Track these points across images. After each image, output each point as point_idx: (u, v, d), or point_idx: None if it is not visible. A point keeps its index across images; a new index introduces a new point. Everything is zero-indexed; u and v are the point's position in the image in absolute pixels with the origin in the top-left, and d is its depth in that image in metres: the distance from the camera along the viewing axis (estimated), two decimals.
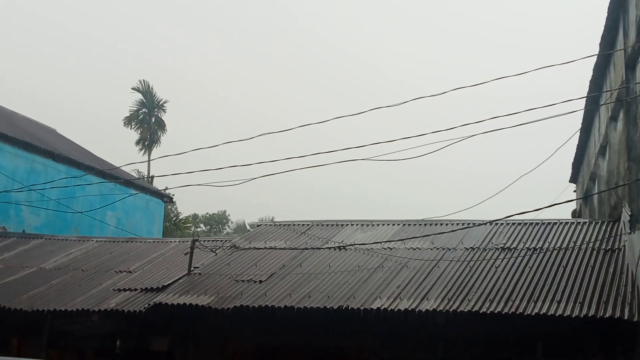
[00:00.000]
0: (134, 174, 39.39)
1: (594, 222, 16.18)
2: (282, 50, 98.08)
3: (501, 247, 14.99)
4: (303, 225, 18.28)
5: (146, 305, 14.05)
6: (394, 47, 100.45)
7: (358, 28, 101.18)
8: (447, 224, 16.78)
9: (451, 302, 12.46)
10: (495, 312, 11.93)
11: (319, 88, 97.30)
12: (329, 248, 16.12)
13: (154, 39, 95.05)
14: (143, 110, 50.23)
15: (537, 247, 14.74)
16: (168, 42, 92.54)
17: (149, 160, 46.62)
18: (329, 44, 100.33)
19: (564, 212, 24.42)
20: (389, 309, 12.52)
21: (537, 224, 16.20)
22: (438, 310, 12.26)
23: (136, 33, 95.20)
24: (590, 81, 17.49)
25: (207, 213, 64.89)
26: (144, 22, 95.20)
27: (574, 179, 24.96)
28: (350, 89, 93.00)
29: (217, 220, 65.70)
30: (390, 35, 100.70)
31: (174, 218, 47.50)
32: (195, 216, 60.71)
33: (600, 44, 15.93)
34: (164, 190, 30.87)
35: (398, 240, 15.92)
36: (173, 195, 32.12)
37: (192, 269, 15.59)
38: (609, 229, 15.36)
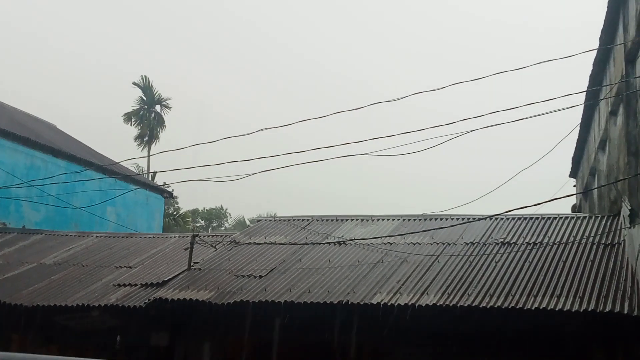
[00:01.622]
0: (133, 169, 39.42)
1: (593, 217, 16.19)
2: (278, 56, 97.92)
3: (501, 242, 15.00)
4: (303, 220, 18.29)
5: (146, 301, 14.07)
6: (392, 45, 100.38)
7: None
8: (447, 219, 16.78)
9: (451, 297, 12.47)
10: (495, 306, 11.95)
11: (323, 88, 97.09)
12: (329, 243, 16.13)
13: (155, 36, 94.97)
14: (143, 106, 50.25)
15: (537, 242, 14.74)
16: (171, 39, 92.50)
17: (148, 156, 46.64)
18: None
19: (564, 207, 24.47)
20: (389, 304, 12.53)
21: (537, 218, 16.20)
22: (438, 305, 12.27)
23: (138, 29, 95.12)
24: (590, 76, 17.49)
25: (204, 208, 64.79)
26: (146, 17, 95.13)
27: (573, 173, 24.97)
28: (352, 92, 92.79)
29: (216, 215, 65.63)
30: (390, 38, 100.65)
31: (174, 213, 47.53)
32: (194, 211, 60.66)
33: (600, 38, 15.93)
34: (164, 185, 30.88)
35: (398, 235, 15.93)
36: (173, 190, 32.11)
37: (192, 264, 15.60)
38: (608, 223, 15.36)
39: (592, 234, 14.73)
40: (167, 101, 50.91)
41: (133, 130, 50.40)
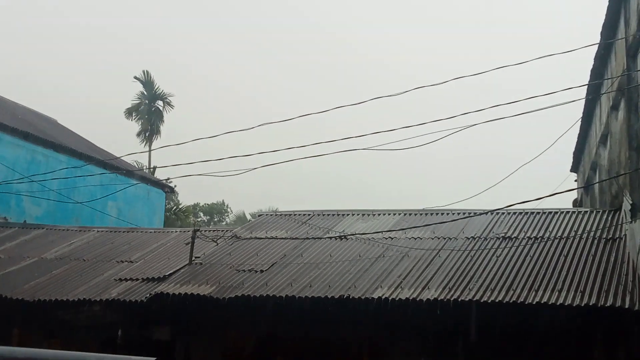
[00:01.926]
0: (134, 164, 39.41)
1: (595, 212, 16.18)
2: (287, 45, 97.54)
3: (502, 237, 15.00)
4: (304, 215, 18.29)
5: (147, 295, 14.07)
6: (394, 37, 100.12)
7: (358, 20, 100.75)
8: (448, 214, 16.78)
9: (452, 292, 12.48)
10: (496, 301, 11.95)
11: (323, 83, 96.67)
12: (330, 238, 16.13)
13: (161, 31, 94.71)
14: (144, 101, 50.22)
15: (538, 237, 14.75)
16: (175, 35, 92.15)
17: (149, 151, 46.63)
18: (331, 37, 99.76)
19: (565, 202, 24.49)
20: (390, 299, 12.53)
21: (538, 213, 16.20)
22: (439, 299, 12.27)
23: (142, 24, 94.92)
24: (591, 70, 17.47)
25: (206, 204, 64.83)
26: (151, 13, 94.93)
27: (574, 168, 24.97)
28: (355, 83, 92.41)
29: (217, 210, 65.66)
30: (393, 27, 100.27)
31: (174, 208, 47.50)
32: (195, 206, 60.68)
33: (602, 33, 15.91)
34: (166, 180, 30.88)
35: (399, 230, 15.94)
36: (175, 185, 32.10)
37: (193, 258, 15.61)
38: (610, 218, 15.36)
39: (593, 229, 14.73)
40: (169, 98, 50.90)
41: (133, 125, 50.42)
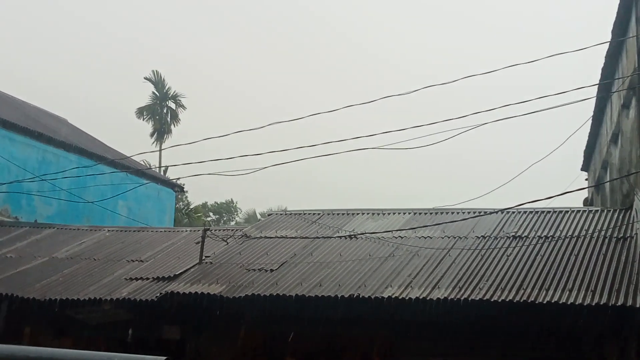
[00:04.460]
0: (144, 164, 39.52)
1: (605, 211, 16.12)
2: (297, 45, 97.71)
3: (512, 236, 14.95)
4: (314, 214, 18.28)
5: (158, 294, 14.10)
6: (404, 37, 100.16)
7: (368, 19, 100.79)
8: (458, 213, 16.73)
9: (462, 291, 12.45)
10: (507, 300, 11.91)
11: (333, 83, 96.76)
12: (340, 237, 16.12)
13: (170, 32, 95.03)
14: (156, 101, 50.37)
15: (548, 236, 14.69)
16: (184, 35, 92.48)
17: (160, 150, 46.76)
18: (341, 37, 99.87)
19: (576, 201, 24.42)
20: (400, 298, 12.52)
21: (549, 212, 16.15)
22: (449, 298, 12.24)
23: (152, 25, 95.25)
24: (602, 69, 17.41)
25: (216, 202, 64.91)
26: (160, 14, 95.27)
27: (585, 167, 24.90)
28: (363, 83, 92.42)
29: (226, 210, 65.74)
30: (399, 24, 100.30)
31: (184, 208, 47.62)
32: (204, 205, 60.78)
33: (613, 31, 15.87)
34: (176, 180, 30.96)
35: (409, 229, 15.91)
36: (184, 184, 32.18)
37: (203, 258, 15.63)
38: (620, 217, 15.29)
39: (604, 228, 14.67)
40: (180, 98, 50.97)
41: (144, 124, 50.58)
